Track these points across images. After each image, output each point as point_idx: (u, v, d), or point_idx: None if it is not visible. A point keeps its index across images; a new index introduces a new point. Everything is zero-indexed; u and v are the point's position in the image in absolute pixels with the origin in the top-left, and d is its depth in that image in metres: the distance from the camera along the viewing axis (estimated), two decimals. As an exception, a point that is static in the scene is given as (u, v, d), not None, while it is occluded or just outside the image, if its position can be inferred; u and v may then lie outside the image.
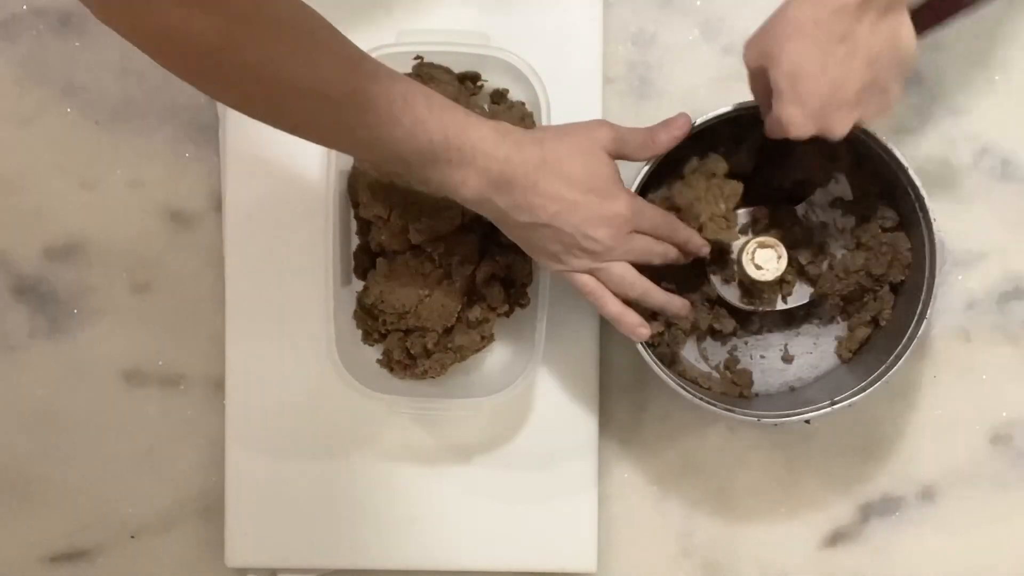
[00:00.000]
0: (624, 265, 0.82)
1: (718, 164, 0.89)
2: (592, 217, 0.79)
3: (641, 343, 0.88)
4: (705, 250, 0.87)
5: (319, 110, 0.71)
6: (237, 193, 0.96)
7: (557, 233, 0.79)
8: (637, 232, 0.82)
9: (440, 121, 0.75)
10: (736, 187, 0.89)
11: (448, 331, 0.91)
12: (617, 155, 0.83)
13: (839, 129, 0.79)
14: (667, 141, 0.84)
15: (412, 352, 0.90)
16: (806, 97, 0.77)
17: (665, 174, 0.93)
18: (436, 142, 0.75)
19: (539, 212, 0.78)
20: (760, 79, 0.81)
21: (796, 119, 0.78)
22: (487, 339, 0.92)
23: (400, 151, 0.75)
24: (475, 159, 0.76)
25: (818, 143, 0.92)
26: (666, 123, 0.85)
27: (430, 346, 0.90)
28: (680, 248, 0.86)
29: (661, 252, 0.84)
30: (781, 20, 0.78)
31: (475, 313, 0.92)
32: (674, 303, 0.87)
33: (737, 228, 0.91)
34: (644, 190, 0.88)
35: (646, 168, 0.87)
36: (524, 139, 0.79)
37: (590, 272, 0.82)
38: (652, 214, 0.84)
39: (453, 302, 0.90)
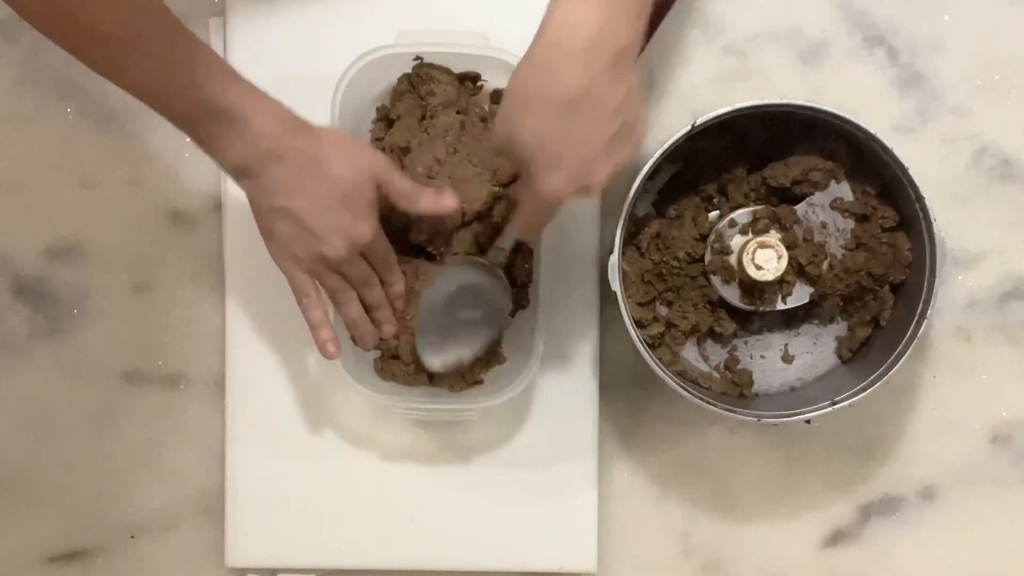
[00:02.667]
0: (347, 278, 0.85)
1: None
2: (339, 226, 0.81)
3: (642, 343, 0.88)
4: (388, 329, 0.89)
5: (97, 45, 0.73)
6: (237, 193, 0.95)
7: (302, 228, 0.81)
8: (364, 258, 0.85)
9: (220, 85, 0.77)
10: None
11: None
12: (382, 183, 0.83)
13: (598, 181, 0.75)
14: (426, 208, 0.85)
15: (406, 361, 0.90)
16: (564, 161, 0.74)
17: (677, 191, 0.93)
18: (209, 103, 0.76)
19: (293, 200, 0.80)
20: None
21: (556, 185, 0.74)
22: (487, 339, 0.92)
23: (172, 103, 0.77)
24: (246, 130, 0.78)
25: (817, 141, 0.93)
26: (437, 192, 0.85)
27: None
28: (386, 288, 0.88)
29: (375, 294, 0.87)
30: (509, 97, 0.74)
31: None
32: (364, 330, 0.88)
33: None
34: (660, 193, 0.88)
35: (645, 169, 0.87)
36: (302, 128, 0.80)
37: (315, 274, 0.84)
38: (384, 249, 0.86)
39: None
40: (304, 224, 0.81)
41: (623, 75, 0.72)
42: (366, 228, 0.82)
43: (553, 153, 0.73)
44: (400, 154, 0.90)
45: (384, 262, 0.87)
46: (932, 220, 0.88)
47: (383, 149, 0.91)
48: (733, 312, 0.95)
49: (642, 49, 0.75)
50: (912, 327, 0.89)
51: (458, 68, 0.92)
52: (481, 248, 0.90)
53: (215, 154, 0.80)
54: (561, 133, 0.73)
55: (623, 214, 0.87)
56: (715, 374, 0.96)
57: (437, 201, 0.85)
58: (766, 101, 0.87)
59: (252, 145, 0.78)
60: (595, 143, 0.73)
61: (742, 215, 0.93)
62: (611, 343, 0.97)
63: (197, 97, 0.76)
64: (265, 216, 0.82)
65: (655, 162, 0.87)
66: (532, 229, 0.83)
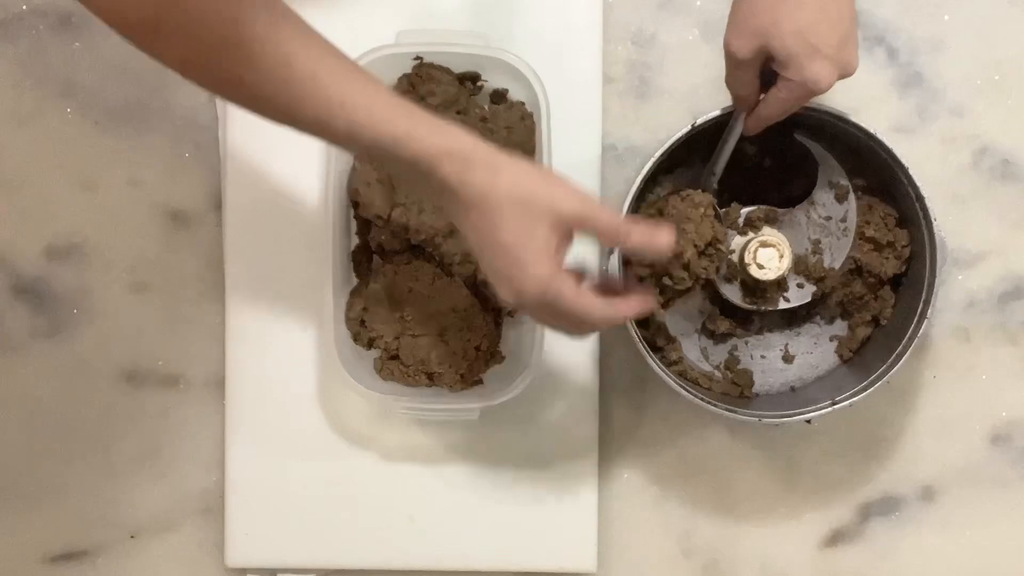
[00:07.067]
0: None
1: (702, 198, 0.88)
2: (502, 274, 0.73)
3: (642, 343, 0.88)
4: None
5: (265, 106, 0.70)
6: (237, 193, 0.96)
7: (479, 260, 0.75)
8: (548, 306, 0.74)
9: (394, 129, 0.70)
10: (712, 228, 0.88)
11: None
12: (578, 228, 0.74)
13: (855, 62, 0.80)
14: (637, 247, 0.75)
15: (406, 362, 0.90)
16: (822, 45, 0.77)
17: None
18: (374, 145, 0.71)
19: (467, 234, 0.74)
20: (750, 66, 0.80)
21: (823, 71, 0.78)
22: (487, 339, 0.92)
23: (337, 142, 0.72)
24: (431, 175, 0.71)
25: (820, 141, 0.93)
26: (652, 231, 0.75)
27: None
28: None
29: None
30: (753, 4, 0.78)
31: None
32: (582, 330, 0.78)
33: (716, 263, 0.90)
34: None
35: (645, 169, 0.87)
36: (481, 163, 0.72)
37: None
38: (568, 308, 0.73)
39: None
40: (479, 258, 0.74)
41: None
42: (530, 283, 0.72)
43: (814, 38, 0.77)
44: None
45: (573, 323, 0.75)
46: (932, 220, 0.88)
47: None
48: (733, 312, 0.95)
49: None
50: (912, 327, 0.89)
51: (458, 68, 0.92)
52: None
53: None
54: (817, 14, 0.77)
55: (622, 214, 0.87)
56: (716, 374, 0.96)
57: (651, 240, 0.75)
58: (766, 101, 0.87)
59: (434, 181, 0.71)
60: (846, 22, 0.78)
61: (743, 215, 0.93)
62: (611, 343, 0.97)
63: (368, 139, 0.70)
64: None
65: (655, 163, 0.87)
66: (764, 120, 0.85)
